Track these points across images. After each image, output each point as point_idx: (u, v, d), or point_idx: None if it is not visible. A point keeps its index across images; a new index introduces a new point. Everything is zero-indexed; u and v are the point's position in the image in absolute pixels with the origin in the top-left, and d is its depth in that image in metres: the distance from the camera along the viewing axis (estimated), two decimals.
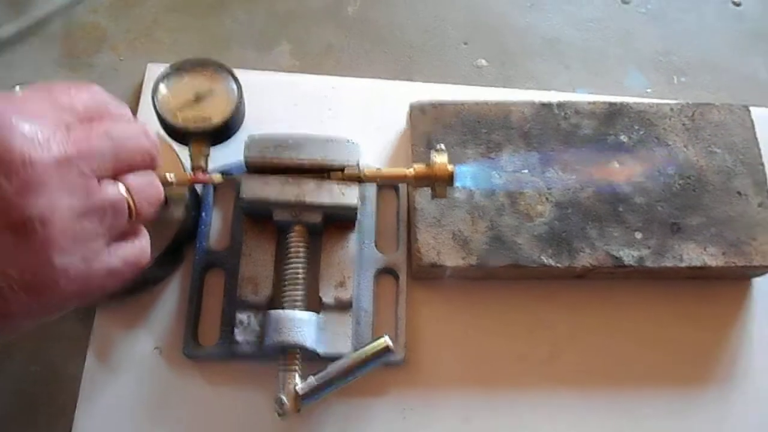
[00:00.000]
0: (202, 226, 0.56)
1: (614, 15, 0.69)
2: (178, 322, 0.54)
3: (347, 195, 0.50)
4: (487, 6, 0.69)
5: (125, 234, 0.38)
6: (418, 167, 0.49)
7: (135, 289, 0.53)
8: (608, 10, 0.69)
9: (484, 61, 0.66)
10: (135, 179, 0.37)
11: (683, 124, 0.58)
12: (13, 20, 0.64)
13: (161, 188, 0.40)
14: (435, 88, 0.63)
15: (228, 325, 0.52)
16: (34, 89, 0.36)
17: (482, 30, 0.67)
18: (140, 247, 0.38)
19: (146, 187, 0.38)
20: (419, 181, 0.50)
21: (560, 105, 0.58)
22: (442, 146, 0.50)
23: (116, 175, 0.36)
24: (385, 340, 0.46)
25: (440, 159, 0.49)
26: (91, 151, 0.35)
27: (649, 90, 0.65)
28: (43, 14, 0.65)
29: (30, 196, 0.32)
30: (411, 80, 0.64)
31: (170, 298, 0.55)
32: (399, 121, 0.61)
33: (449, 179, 0.48)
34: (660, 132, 0.57)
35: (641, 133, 0.57)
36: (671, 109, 0.58)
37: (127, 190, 0.36)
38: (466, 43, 0.67)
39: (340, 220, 0.52)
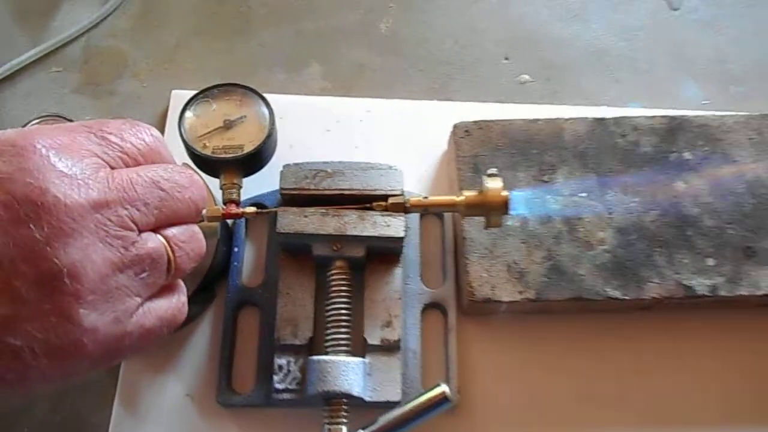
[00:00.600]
0: (235, 262, 0.52)
1: (663, 23, 0.65)
2: (210, 366, 0.50)
3: (392, 226, 0.46)
4: (526, 18, 0.65)
5: (161, 290, 0.34)
6: (469, 195, 0.45)
7: None
8: (656, 17, 0.65)
9: (527, 77, 0.62)
10: (177, 232, 0.34)
11: (749, 138, 0.53)
12: (30, 47, 0.61)
13: (204, 242, 0.36)
14: (476, 107, 0.59)
15: (265, 369, 0.48)
16: (83, 123, 0.33)
17: (523, 43, 0.63)
18: (177, 305, 0.35)
19: (188, 240, 0.34)
20: (470, 209, 0.45)
21: (616, 121, 0.53)
22: (494, 170, 0.45)
23: (158, 227, 0.33)
24: (442, 389, 0.42)
25: (493, 185, 0.44)
26: (134, 198, 0.31)
27: (705, 102, 0.61)
28: (61, 39, 0.62)
29: (61, 244, 0.28)
30: (450, 99, 0.60)
31: (201, 339, 0.51)
32: (439, 144, 0.57)
33: (504, 207, 0.44)
34: (725, 147, 0.53)
35: (705, 149, 0.53)
36: (735, 122, 0.54)
37: (168, 242, 0.33)
38: (507, 58, 0.63)
39: (384, 253, 0.48)
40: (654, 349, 0.51)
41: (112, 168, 0.32)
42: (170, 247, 0.33)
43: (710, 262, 0.49)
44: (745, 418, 0.49)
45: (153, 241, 0.32)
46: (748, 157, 0.52)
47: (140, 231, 0.32)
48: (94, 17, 0.64)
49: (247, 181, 0.50)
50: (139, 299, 0.32)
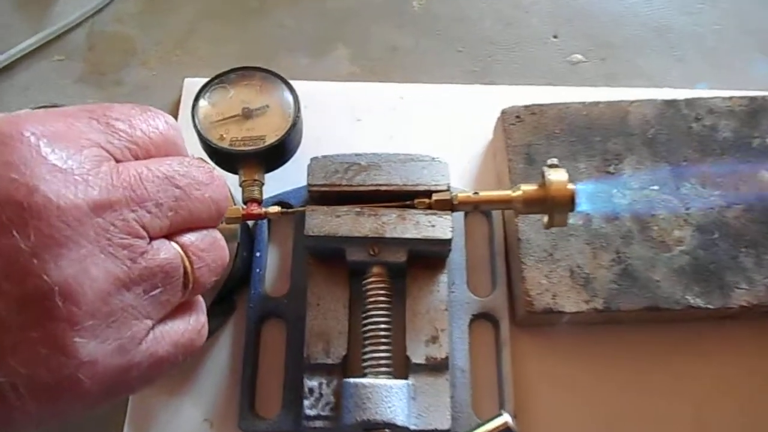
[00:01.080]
0: (257, 269, 0.46)
1: None
2: (230, 387, 0.44)
3: (438, 226, 0.40)
4: None
5: (177, 309, 0.28)
6: (528, 189, 0.39)
7: None
8: None
9: (579, 56, 0.55)
10: (195, 239, 0.28)
11: None
12: (29, 34, 0.56)
13: (227, 251, 0.30)
14: (524, 91, 0.52)
15: (292, 391, 0.42)
16: (84, 107, 0.27)
17: (573, 20, 0.57)
18: (196, 326, 0.29)
19: (209, 249, 0.28)
20: (529, 206, 0.39)
21: (689, 103, 0.47)
22: (555, 160, 0.39)
23: (172, 233, 0.27)
24: (505, 419, 0.35)
25: (557, 177, 0.38)
26: (144, 197, 0.25)
27: None
28: (63, 25, 0.57)
29: (51, 256, 0.22)
30: (494, 83, 0.54)
31: (221, 357, 0.45)
32: (484, 133, 0.51)
33: (571, 203, 0.38)
34: None
35: None
36: None
37: (185, 252, 0.27)
38: (555, 36, 0.56)
39: (428, 258, 0.42)
40: (738, 364, 0.44)
41: (118, 161, 0.26)
42: (187, 257, 0.27)
43: None
44: None
45: (166, 251, 0.26)
46: None
47: (151, 238, 0.26)
48: (98, 1, 0.58)
49: (269, 177, 0.44)
50: (149, 322, 0.26)
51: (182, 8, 0.59)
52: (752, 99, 0.47)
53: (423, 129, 0.52)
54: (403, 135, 0.51)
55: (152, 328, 0.26)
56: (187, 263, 0.27)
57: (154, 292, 0.26)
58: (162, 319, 0.27)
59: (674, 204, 0.44)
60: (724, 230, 0.43)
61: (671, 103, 0.47)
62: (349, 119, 0.52)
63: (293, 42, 0.56)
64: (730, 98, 0.47)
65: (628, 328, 0.44)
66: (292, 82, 0.45)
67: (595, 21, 0.57)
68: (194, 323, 0.29)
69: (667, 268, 0.42)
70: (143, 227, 0.25)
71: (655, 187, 0.44)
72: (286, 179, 0.47)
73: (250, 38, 0.57)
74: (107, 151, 0.26)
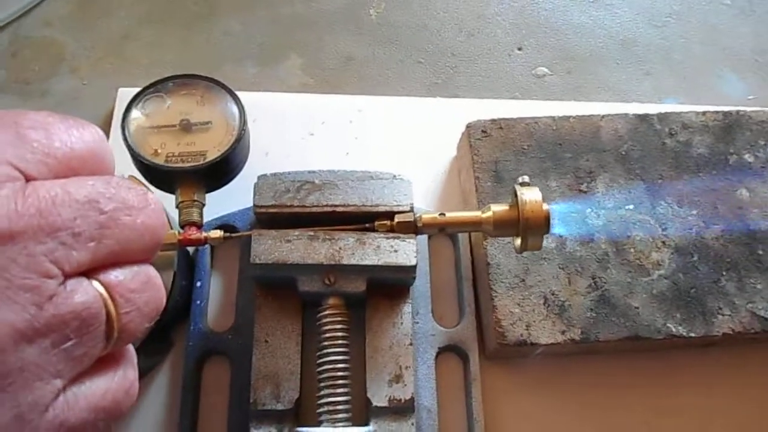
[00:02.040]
0: (197, 301, 0.41)
1: (695, 7, 0.56)
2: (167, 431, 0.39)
3: (401, 251, 0.36)
4: (541, 2, 0.56)
5: (98, 363, 0.23)
6: (499, 210, 0.35)
7: None
8: (688, 2, 0.56)
9: (545, 69, 0.52)
10: (124, 277, 0.23)
11: None
12: None
13: (163, 292, 0.25)
14: (489, 105, 0.49)
15: None
16: None
17: (538, 31, 0.54)
18: (123, 384, 0.23)
19: (141, 289, 0.23)
20: (501, 228, 0.35)
21: (662, 118, 0.44)
22: (526, 177, 0.36)
23: (94, 270, 0.22)
24: None
25: (531, 196, 0.34)
26: (57, 225, 0.20)
27: (750, 97, 0.52)
28: None
29: None
30: (457, 96, 0.51)
31: (155, 401, 0.40)
32: (447, 149, 0.47)
33: (546, 224, 0.34)
34: None
35: None
36: None
37: (109, 293, 0.22)
38: (520, 48, 0.53)
39: (390, 286, 0.38)
40: (723, 393, 0.41)
41: (31, 179, 0.21)
42: (112, 299, 0.22)
43: None
44: None
45: (84, 292, 0.21)
46: None
47: (66, 276, 0.21)
48: (24, 2, 0.53)
49: (211, 198, 0.40)
50: (59, 383, 0.21)
51: (118, 11, 0.54)
52: (726, 114, 0.45)
53: (382, 145, 0.48)
54: (360, 151, 0.47)
55: (63, 389, 0.21)
56: (111, 307, 0.22)
57: (65, 345, 0.20)
58: (77, 378, 0.22)
59: (651, 225, 0.41)
60: (703, 252, 0.40)
61: (644, 118, 0.44)
62: (301, 133, 0.48)
63: (241, 50, 0.52)
64: (704, 113, 0.45)
65: (606, 358, 0.41)
66: (238, 93, 0.41)
67: (560, 33, 0.54)
68: (120, 381, 0.23)
69: (646, 294, 0.39)
70: (54, 263, 0.20)
71: (630, 207, 0.41)
72: (230, 200, 0.42)
73: (194, 45, 0.52)
74: (16, 168, 0.21)
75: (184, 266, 0.41)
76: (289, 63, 0.52)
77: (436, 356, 0.40)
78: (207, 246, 0.42)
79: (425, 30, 0.54)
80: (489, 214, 0.35)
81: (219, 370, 0.40)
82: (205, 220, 0.40)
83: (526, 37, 0.54)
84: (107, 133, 0.47)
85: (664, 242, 0.41)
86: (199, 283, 0.41)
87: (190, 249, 0.42)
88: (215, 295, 0.42)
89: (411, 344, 0.37)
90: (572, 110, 0.45)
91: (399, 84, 0.51)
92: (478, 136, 0.43)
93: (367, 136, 0.48)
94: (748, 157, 0.44)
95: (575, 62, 0.53)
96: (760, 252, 0.41)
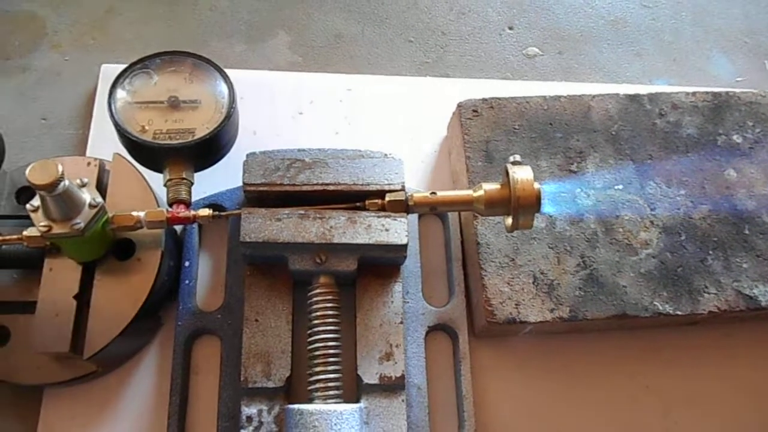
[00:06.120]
0: (186, 280, 0.41)
1: None
2: (157, 414, 0.39)
3: (392, 230, 0.36)
4: None
5: None
6: (491, 189, 0.35)
7: (95, 372, 0.38)
8: None
9: (536, 49, 0.52)
10: None
11: None
12: None
13: None
14: (480, 85, 0.49)
15: (228, 419, 0.37)
16: None
17: (529, 11, 0.54)
18: None
19: None
20: (492, 207, 0.36)
21: (652, 98, 0.45)
22: (518, 156, 0.36)
23: None
24: None
25: (523, 175, 0.35)
26: None
27: (739, 78, 0.53)
28: None
29: None
30: (447, 76, 0.50)
31: (145, 380, 0.40)
32: (437, 129, 0.47)
33: (537, 203, 0.34)
34: None
35: (757, 131, 0.44)
36: None
37: None
38: (511, 28, 0.53)
39: (381, 265, 0.38)
40: (706, 371, 0.42)
41: None
42: None
43: None
44: None
45: None
46: None
47: None
48: None
49: (200, 177, 0.39)
50: None
51: None
52: (716, 95, 0.45)
53: (372, 124, 0.48)
54: (350, 130, 0.47)
55: None
56: None
57: None
58: None
59: (639, 204, 0.41)
60: (691, 232, 0.41)
61: (634, 98, 0.44)
62: (290, 112, 0.47)
63: (227, 26, 0.51)
64: (694, 93, 0.45)
65: (594, 336, 0.42)
66: (226, 70, 0.40)
67: (551, 12, 0.54)
68: None
69: (634, 273, 0.39)
70: None
71: (620, 187, 0.41)
72: (218, 179, 0.42)
73: (179, 21, 0.51)
74: None
75: (172, 246, 0.40)
76: (277, 40, 0.51)
77: (426, 335, 0.41)
78: (195, 226, 0.42)
79: (415, 8, 0.53)
80: (481, 193, 0.35)
81: (209, 349, 0.40)
82: (193, 199, 0.40)
83: (516, 16, 0.53)
84: (90, 110, 0.46)
85: (652, 222, 0.41)
86: (187, 263, 0.41)
87: (178, 229, 0.42)
88: (204, 274, 0.42)
89: (401, 323, 0.38)
90: (563, 90, 0.45)
91: (389, 63, 0.51)
92: (468, 116, 0.43)
93: (356, 115, 0.48)
94: (737, 138, 0.44)
95: (566, 42, 0.53)
96: (747, 231, 0.41)
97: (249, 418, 0.35)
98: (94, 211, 0.34)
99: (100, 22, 0.51)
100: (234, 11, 0.52)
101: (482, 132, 0.43)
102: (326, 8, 0.53)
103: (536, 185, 0.34)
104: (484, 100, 0.44)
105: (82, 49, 0.50)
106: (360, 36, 0.52)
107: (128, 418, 0.38)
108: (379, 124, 0.48)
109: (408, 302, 0.41)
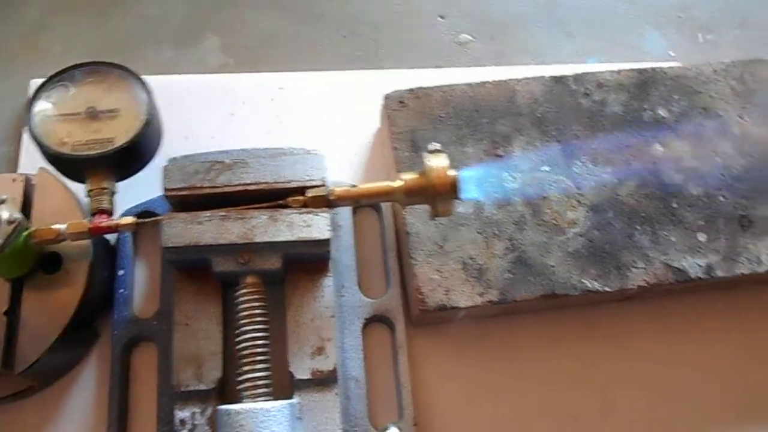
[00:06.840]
0: (121, 289, 0.41)
1: None
2: (97, 425, 0.39)
3: (314, 226, 0.36)
4: None
5: None
6: (409, 178, 0.36)
7: (32, 387, 0.38)
8: None
9: (468, 36, 0.52)
10: None
11: (732, 88, 0.45)
12: None
13: None
14: (411, 75, 0.49)
15: (166, 423, 0.37)
16: None
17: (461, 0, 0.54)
18: None
19: None
20: (411, 196, 0.36)
21: (577, 78, 0.45)
22: (437, 145, 0.36)
23: None
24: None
25: (437, 163, 0.35)
26: None
27: (671, 53, 0.53)
28: None
29: None
30: (381, 68, 0.51)
31: (84, 392, 0.40)
32: (371, 121, 0.47)
33: (453, 190, 0.35)
34: (706, 100, 0.45)
35: (683, 104, 0.45)
36: (714, 71, 0.46)
37: None
38: (442, 17, 0.53)
39: (308, 261, 0.38)
40: (642, 346, 0.42)
41: None
42: None
43: (701, 237, 0.41)
44: (762, 415, 0.42)
45: None
46: (732, 110, 0.45)
47: None
48: None
49: (133, 185, 0.39)
50: None
51: (31, 1, 0.52)
52: (641, 71, 0.46)
53: (305, 121, 0.48)
54: (282, 129, 0.47)
55: None
56: None
57: None
58: None
59: (566, 184, 0.41)
60: (618, 209, 0.41)
61: (559, 80, 0.45)
62: (221, 115, 0.47)
63: (157, 33, 0.51)
64: (619, 71, 0.45)
65: (527, 318, 0.42)
66: (155, 77, 0.40)
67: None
68: None
69: (561, 252, 0.40)
70: None
71: (546, 168, 0.42)
72: (152, 186, 0.42)
73: (109, 32, 0.51)
74: None
75: (105, 256, 0.40)
76: (208, 43, 0.51)
77: (364, 327, 0.41)
78: (129, 234, 0.42)
79: (346, 3, 0.53)
80: (400, 183, 0.36)
81: (148, 356, 0.40)
82: (127, 207, 0.40)
83: (447, 5, 0.54)
84: (20, 127, 0.46)
85: (579, 201, 0.41)
86: (122, 272, 0.41)
87: (111, 238, 0.42)
88: (140, 282, 0.42)
89: (333, 316, 0.38)
90: (494, 75, 0.46)
91: (322, 58, 0.51)
92: (395, 107, 0.43)
93: (289, 113, 0.48)
94: (663, 112, 0.44)
95: (498, 27, 0.53)
96: (674, 205, 0.42)
97: (182, 422, 0.35)
98: (12, 227, 0.34)
99: (30, 37, 0.51)
100: (164, 18, 0.52)
101: (408, 122, 0.43)
102: (260, 9, 0.53)
103: (451, 172, 0.35)
104: (411, 90, 0.44)
105: (11, 65, 0.49)
106: (293, 34, 0.52)
107: (69, 427, 0.39)
108: (312, 120, 0.48)
109: (344, 296, 0.41)
